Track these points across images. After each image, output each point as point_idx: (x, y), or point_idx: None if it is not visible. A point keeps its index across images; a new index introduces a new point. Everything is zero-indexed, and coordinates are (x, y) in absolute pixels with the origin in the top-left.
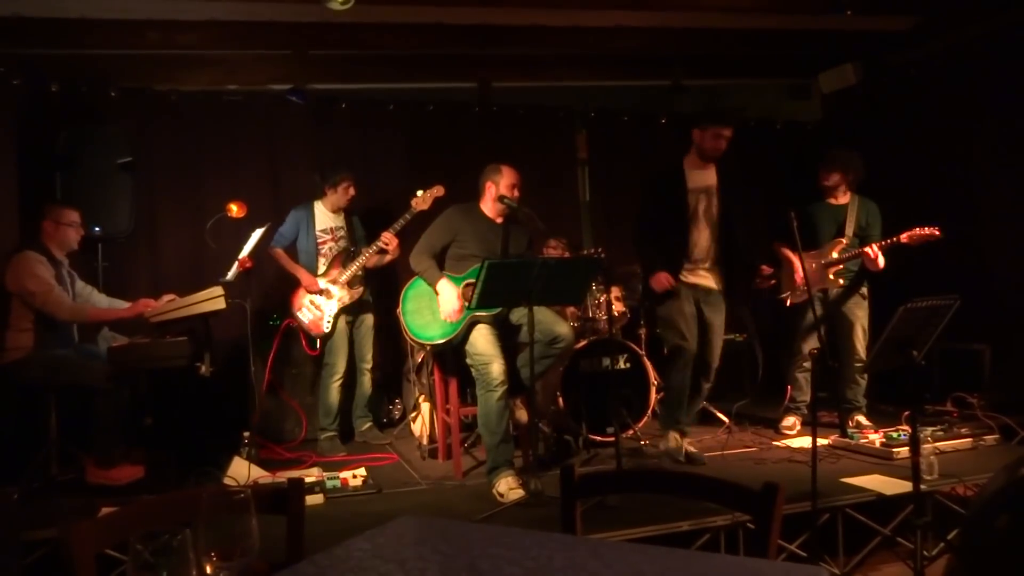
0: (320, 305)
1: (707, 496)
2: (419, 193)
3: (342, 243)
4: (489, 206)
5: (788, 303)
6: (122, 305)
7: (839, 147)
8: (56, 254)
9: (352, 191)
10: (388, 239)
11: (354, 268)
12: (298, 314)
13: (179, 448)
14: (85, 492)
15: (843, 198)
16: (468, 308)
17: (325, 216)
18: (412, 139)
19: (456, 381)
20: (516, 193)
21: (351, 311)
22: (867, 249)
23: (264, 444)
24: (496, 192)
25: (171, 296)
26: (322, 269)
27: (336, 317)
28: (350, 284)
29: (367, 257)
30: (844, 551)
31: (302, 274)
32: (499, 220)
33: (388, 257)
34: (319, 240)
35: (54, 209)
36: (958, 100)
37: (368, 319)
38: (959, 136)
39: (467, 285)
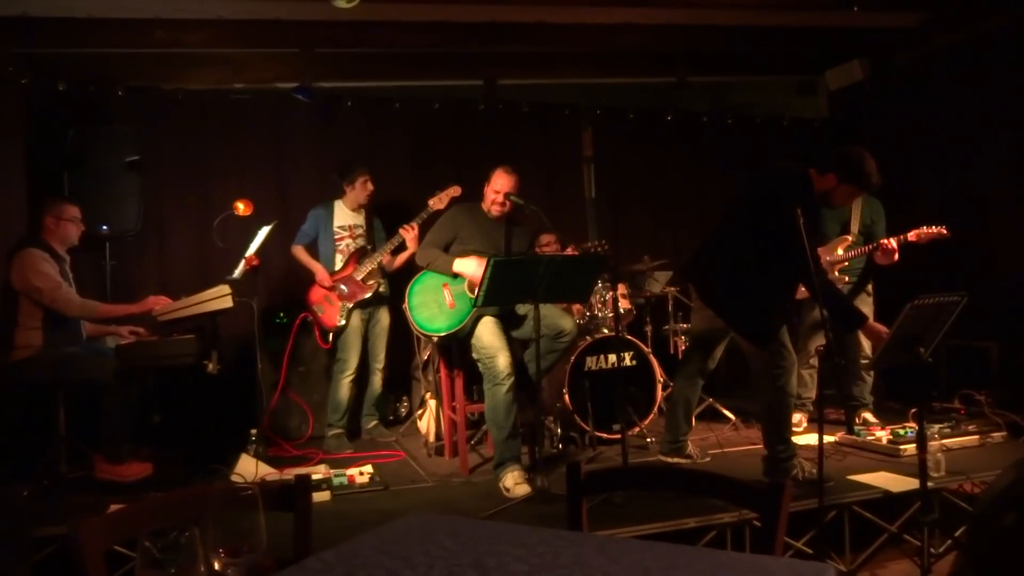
0: (334, 299)
1: (713, 493)
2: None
3: (360, 241)
4: (486, 205)
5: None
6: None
7: (850, 146)
8: (58, 250)
9: (371, 186)
10: (408, 228)
11: (369, 266)
12: (314, 307)
13: (187, 445)
14: (94, 489)
15: None
16: (473, 304)
17: (344, 214)
18: (418, 137)
19: (462, 378)
20: (501, 198)
21: (366, 307)
22: (885, 241)
23: (274, 440)
24: (485, 192)
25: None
26: (338, 266)
27: (350, 312)
28: (364, 281)
29: (383, 255)
30: (851, 548)
31: (317, 269)
32: (495, 219)
33: (403, 256)
34: (336, 236)
35: (55, 205)
36: (966, 97)
37: (384, 318)
38: (967, 133)
39: (481, 263)
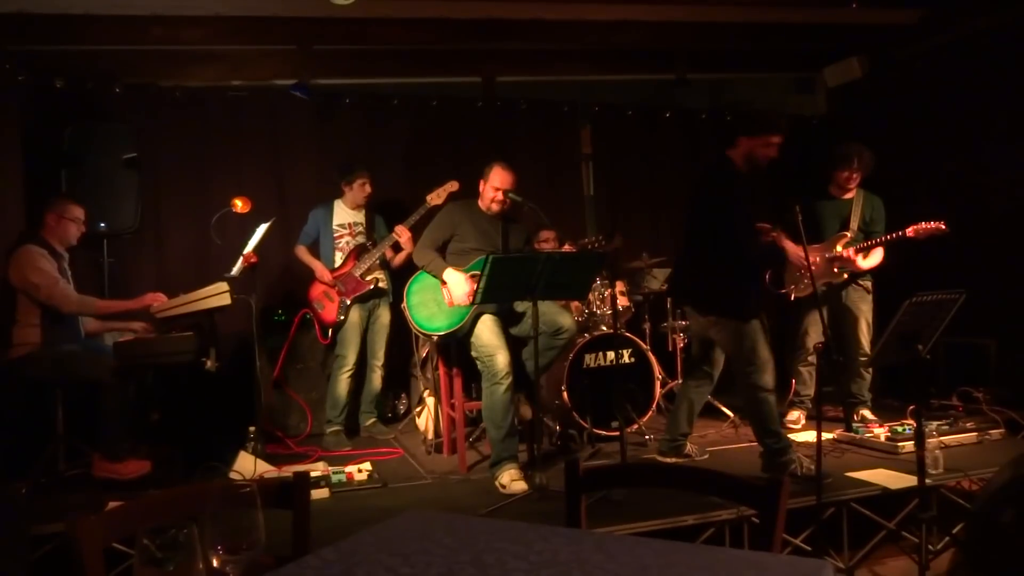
0: (334, 295)
1: (712, 490)
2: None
3: (360, 238)
4: (484, 203)
5: (792, 297)
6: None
7: (851, 143)
8: (57, 248)
9: (368, 188)
10: (400, 231)
11: (368, 262)
12: (314, 304)
13: (185, 443)
14: (92, 487)
15: (849, 193)
16: (472, 302)
17: (344, 212)
18: (416, 134)
19: (461, 376)
20: (501, 196)
21: (366, 303)
22: (840, 250)
23: (274, 436)
24: (483, 189)
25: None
26: (338, 263)
27: (348, 307)
28: (363, 277)
29: (382, 251)
30: (849, 545)
31: (317, 267)
32: (490, 215)
33: (403, 254)
34: (336, 235)
35: (60, 203)
36: (964, 94)
37: (384, 316)
38: (965, 130)
39: (472, 276)
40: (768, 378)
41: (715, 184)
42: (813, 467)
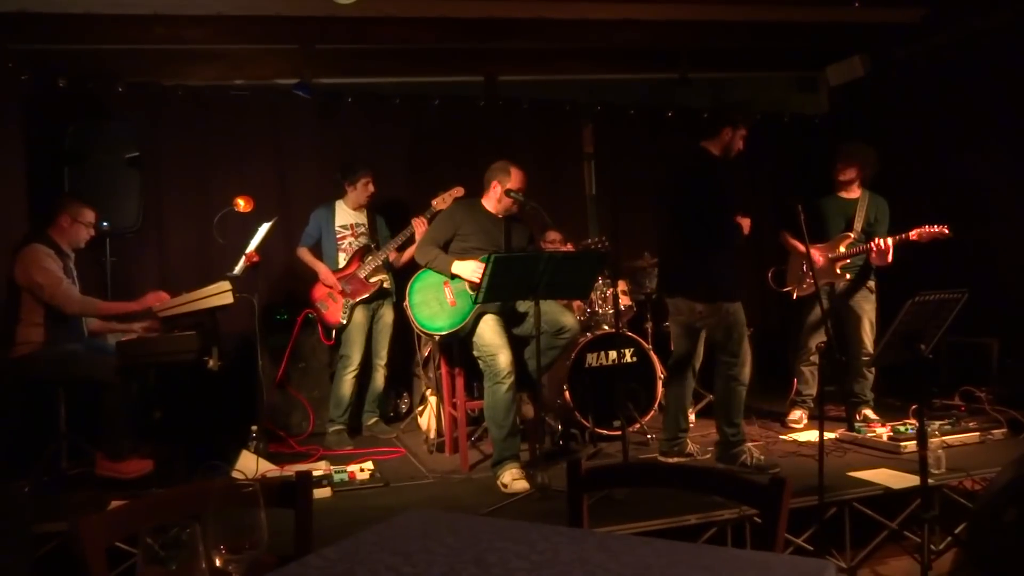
0: (338, 296)
1: (714, 490)
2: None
3: (362, 239)
4: (492, 203)
5: (794, 296)
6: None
7: (855, 141)
8: (64, 248)
9: (372, 187)
10: (420, 221)
11: (373, 263)
12: (317, 304)
13: (187, 442)
14: (95, 486)
15: (854, 193)
16: (474, 300)
17: (346, 213)
18: (418, 133)
19: (463, 375)
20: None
21: (371, 303)
22: (878, 241)
23: (276, 435)
24: (501, 192)
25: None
26: (342, 264)
27: (352, 309)
28: (367, 278)
29: (388, 252)
30: (851, 545)
31: (320, 268)
32: (500, 216)
33: (409, 252)
34: (339, 236)
35: (74, 205)
36: (966, 93)
37: (388, 315)
38: (967, 129)
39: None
40: (747, 372)
41: (701, 173)
42: (762, 457)
